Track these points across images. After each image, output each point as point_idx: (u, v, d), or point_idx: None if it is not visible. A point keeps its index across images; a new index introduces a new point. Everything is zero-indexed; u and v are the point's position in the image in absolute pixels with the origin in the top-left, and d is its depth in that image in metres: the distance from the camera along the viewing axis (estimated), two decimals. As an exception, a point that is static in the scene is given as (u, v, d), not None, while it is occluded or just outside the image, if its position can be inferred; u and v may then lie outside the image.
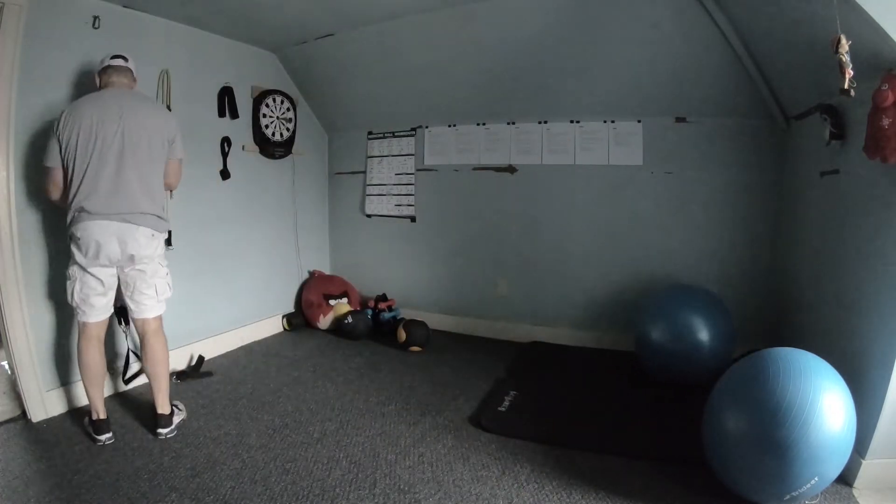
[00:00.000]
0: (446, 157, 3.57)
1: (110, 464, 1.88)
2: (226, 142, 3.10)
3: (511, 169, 3.39)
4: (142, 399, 2.46)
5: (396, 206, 3.78)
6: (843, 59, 1.39)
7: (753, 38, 2.33)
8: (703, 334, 2.41)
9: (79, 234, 1.93)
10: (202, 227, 2.98)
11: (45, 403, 2.22)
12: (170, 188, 2.28)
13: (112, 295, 2.05)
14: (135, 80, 2.14)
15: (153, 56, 2.62)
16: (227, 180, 3.12)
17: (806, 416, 1.41)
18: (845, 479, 1.70)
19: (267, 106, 3.36)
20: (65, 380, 2.32)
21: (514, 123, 3.35)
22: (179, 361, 2.81)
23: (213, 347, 3.05)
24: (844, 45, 1.39)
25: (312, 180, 3.92)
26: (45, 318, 2.25)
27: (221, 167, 3.09)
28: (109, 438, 2.04)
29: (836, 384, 1.51)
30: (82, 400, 2.35)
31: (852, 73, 1.39)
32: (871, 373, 1.68)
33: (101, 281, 1.99)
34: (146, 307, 2.08)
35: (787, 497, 1.48)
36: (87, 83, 2.33)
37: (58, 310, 2.29)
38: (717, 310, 2.51)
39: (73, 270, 2.01)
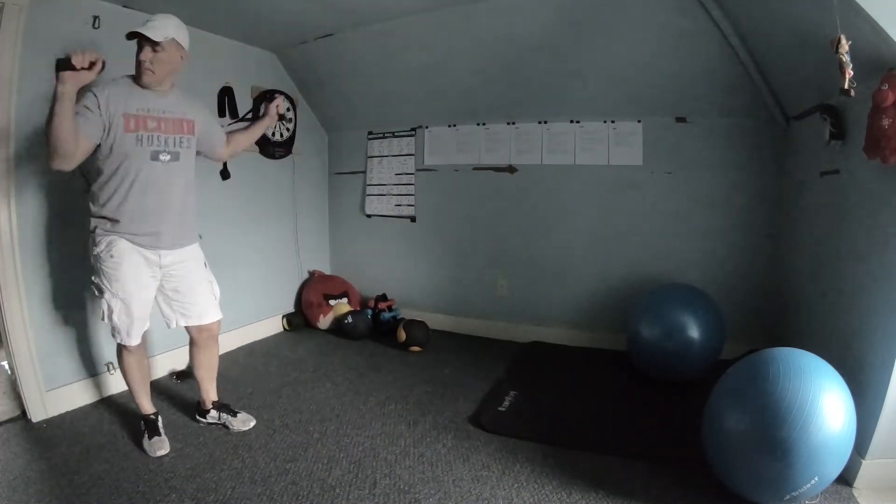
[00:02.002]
0: (446, 157, 3.56)
1: (110, 464, 1.88)
2: (226, 142, 3.10)
3: (511, 169, 3.39)
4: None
5: (396, 206, 3.77)
6: (843, 59, 1.39)
7: (753, 38, 2.33)
8: (692, 331, 2.42)
9: None
10: (202, 227, 2.96)
11: (45, 403, 2.22)
12: None
13: None
14: None
15: (153, 56, 2.61)
16: (227, 180, 3.12)
17: (806, 416, 1.41)
18: (845, 479, 1.70)
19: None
20: (65, 380, 2.32)
21: (514, 123, 3.35)
22: (179, 361, 2.81)
23: (213, 347, 3.04)
24: (844, 45, 1.39)
25: (312, 180, 3.92)
26: (45, 318, 2.25)
27: (221, 167, 3.09)
28: None
29: (836, 384, 1.50)
30: (82, 400, 2.36)
31: (852, 73, 1.39)
32: (871, 373, 1.68)
33: None
34: None
35: (787, 497, 1.48)
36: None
37: (58, 310, 2.29)
38: (704, 306, 2.52)
39: None
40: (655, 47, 2.59)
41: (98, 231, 1.85)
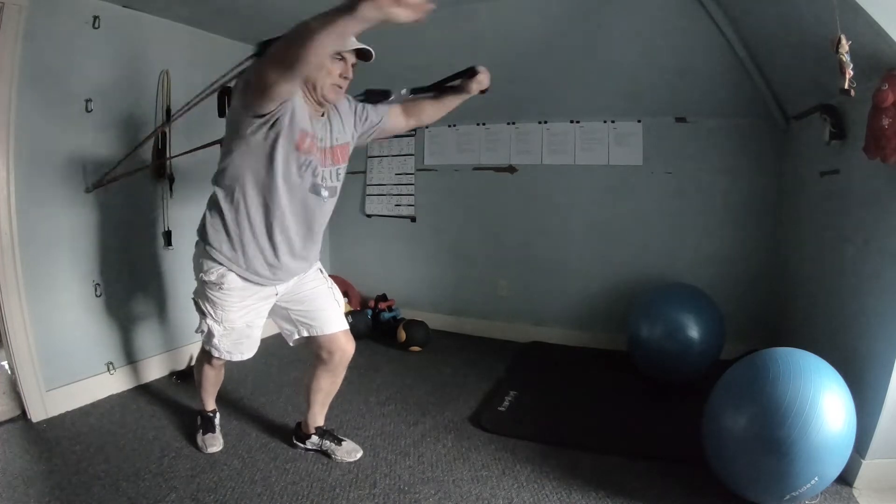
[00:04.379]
0: (446, 157, 3.56)
1: (110, 464, 1.88)
2: (226, 142, 3.09)
3: (511, 169, 3.39)
4: (143, 399, 2.46)
5: (396, 206, 3.77)
6: (843, 59, 1.39)
7: (754, 38, 2.33)
8: (692, 331, 2.42)
9: None
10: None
11: (45, 403, 2.22)
12: None
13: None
14: None
15: (153, 56, 2.62)
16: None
17: (806, 416, 1.41)
18: (845, 479, 1.70)
19: (267, 106, 3.35)
20: (65, 380, 2.31)
21: (514, 123, 3.35)
22: (179, 361, 2.81)
23: (213, 347, 3.04)
24: (844, 45, 1.38)
25: (312, 180, 3.92)
26: (45, 318, 2.24)
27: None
28: None
29: (836, 384, 1.51)
30: (82, 400, 2.36)
31: (852, 73, 1.39)
32: (871, 373, 1.68)
33: None
34: None
35: (787, 497, 1.48)
36: (87, 83, 2.34)
37: (58, 310, 2.28)
38: (704, 306, 2.52)
39: None
40: (655, 47, 2.59)
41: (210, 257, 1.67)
